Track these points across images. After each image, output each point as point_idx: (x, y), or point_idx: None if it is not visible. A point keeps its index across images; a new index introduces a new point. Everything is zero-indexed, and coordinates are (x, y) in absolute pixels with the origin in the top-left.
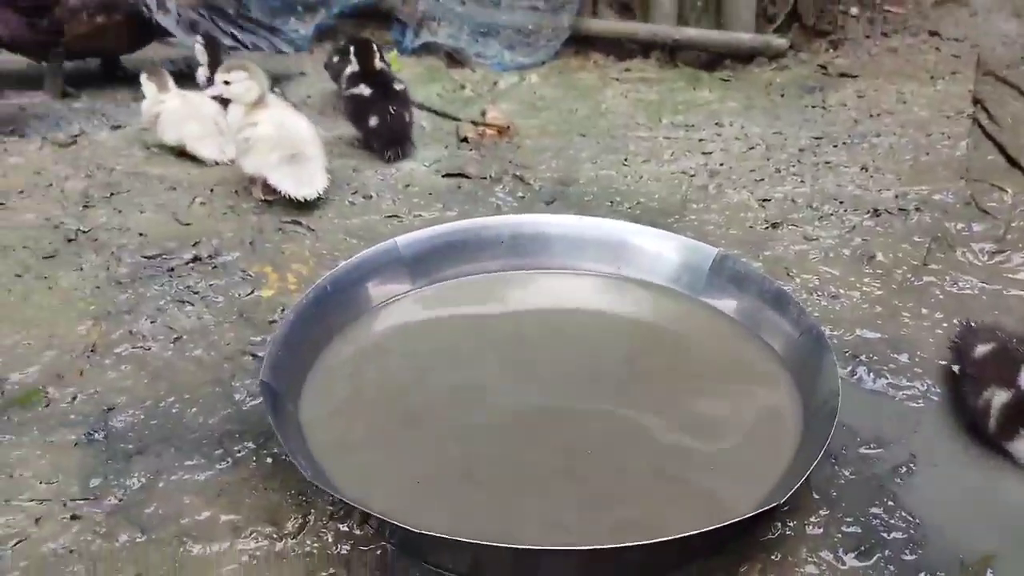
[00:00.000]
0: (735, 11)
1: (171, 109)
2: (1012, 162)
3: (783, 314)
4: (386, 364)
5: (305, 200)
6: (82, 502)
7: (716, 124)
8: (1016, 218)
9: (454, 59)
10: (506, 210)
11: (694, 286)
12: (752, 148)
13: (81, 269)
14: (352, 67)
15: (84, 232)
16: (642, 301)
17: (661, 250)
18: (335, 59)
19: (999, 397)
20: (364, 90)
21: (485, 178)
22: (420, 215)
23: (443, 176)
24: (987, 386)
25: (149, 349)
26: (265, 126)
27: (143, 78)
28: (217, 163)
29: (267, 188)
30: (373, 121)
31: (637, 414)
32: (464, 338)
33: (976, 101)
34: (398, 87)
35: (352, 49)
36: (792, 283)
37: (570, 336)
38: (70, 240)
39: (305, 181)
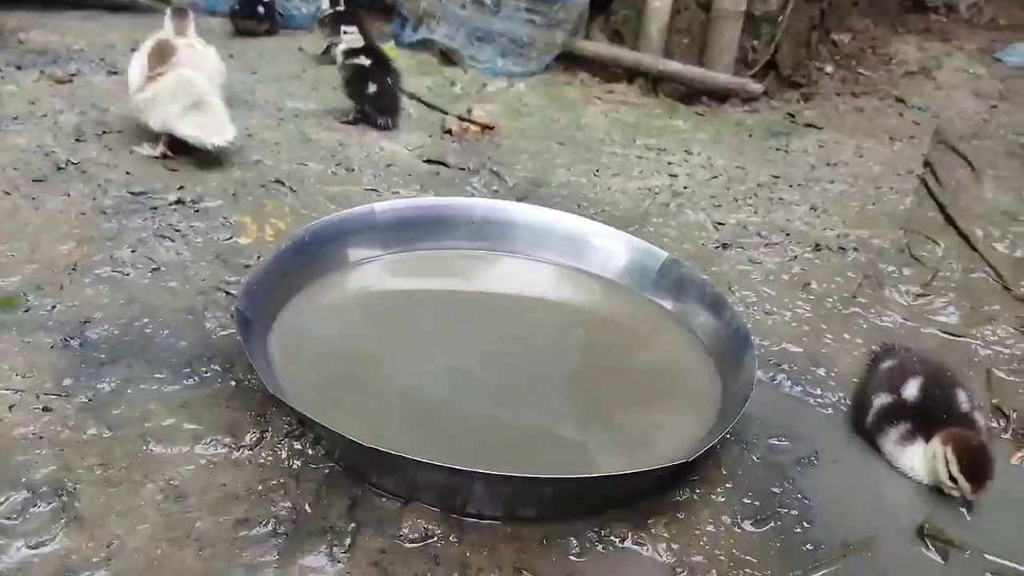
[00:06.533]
0: (718, 52)
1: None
2: (950, 221)
3: (718, 316)
4: (352, 316)
5: (215, 148)
6: (54, 397)
7: (685, 151)
8: (944, 268)
9: (447, 57)
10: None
11: (641, 283)
12: (715, 177)
13: (68, 195)
14: (354, 42)
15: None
16: (594, 293)
17: (615, 248)
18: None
19: (881, 399)
20: (364, 60)
21: (463, 169)
22: (398, 192)
23: (424, 161)
24: (877, 391)
25: (127, 275)
26: (166, 79)
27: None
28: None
29: (173, 142)
30: (372, 88)
31: (581, 371)
32: (426, 306)
33: (927, 164)
34: (394, 65)
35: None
36: (732, 297)
37: (522, 318)
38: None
39: (214, 129)
